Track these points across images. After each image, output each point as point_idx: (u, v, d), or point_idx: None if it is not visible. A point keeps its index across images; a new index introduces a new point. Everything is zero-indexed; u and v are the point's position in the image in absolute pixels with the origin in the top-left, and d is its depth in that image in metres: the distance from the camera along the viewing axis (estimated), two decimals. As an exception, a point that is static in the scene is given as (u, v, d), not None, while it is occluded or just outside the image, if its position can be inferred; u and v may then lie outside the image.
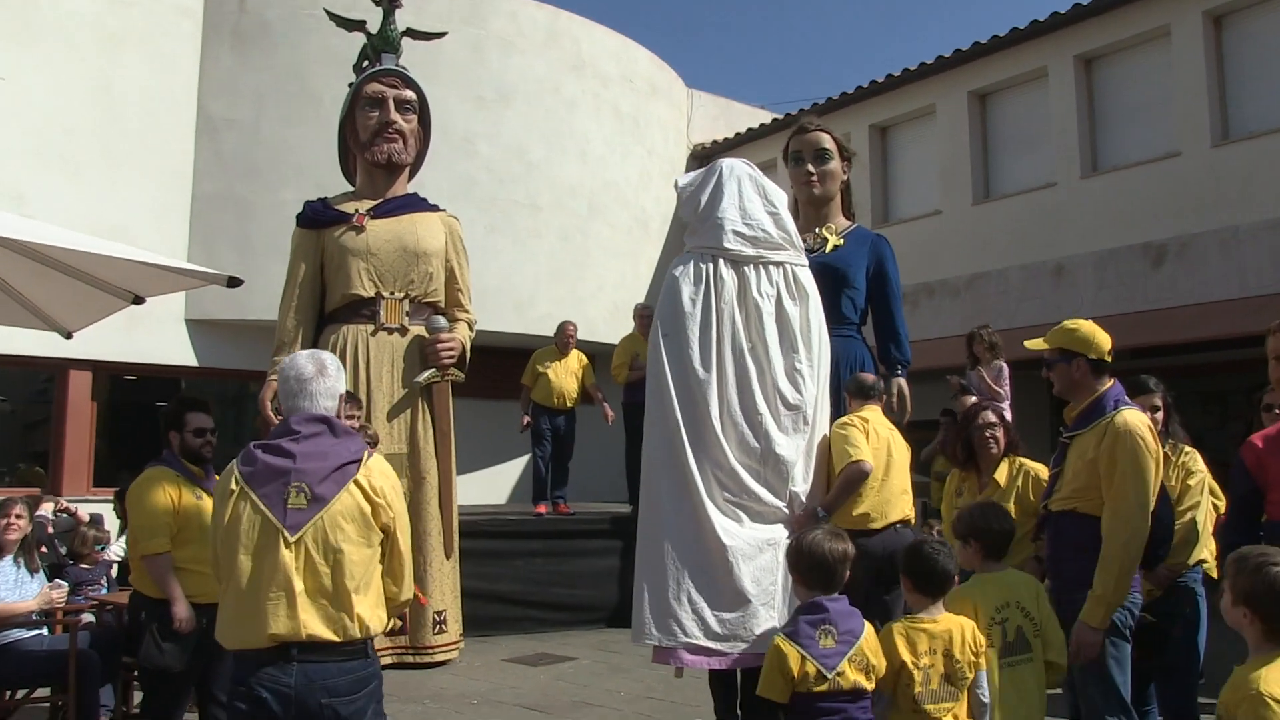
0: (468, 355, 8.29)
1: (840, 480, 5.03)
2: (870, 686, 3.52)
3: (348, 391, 6.57)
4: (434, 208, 8.48)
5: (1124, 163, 12.23)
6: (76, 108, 11.94)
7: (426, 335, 8.04)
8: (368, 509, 3.28)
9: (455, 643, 7.98)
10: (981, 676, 3.67)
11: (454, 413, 8.01)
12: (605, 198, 14.85)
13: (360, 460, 3.32)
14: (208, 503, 4.79)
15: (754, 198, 5.70)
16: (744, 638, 4.59)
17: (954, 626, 3.64)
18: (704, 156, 16.99)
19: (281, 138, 12.68)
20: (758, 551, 4.78)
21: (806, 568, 3.73)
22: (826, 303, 8.41)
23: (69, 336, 7.47)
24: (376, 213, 8.09)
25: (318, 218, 8.10)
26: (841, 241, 9.92)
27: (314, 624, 3.11)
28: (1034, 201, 13.03)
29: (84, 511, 7.77)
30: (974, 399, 8.44)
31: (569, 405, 10.51)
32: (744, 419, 5.08)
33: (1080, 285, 12.36)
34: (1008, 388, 8.71)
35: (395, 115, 8.19)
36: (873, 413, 5.66)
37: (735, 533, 4.82)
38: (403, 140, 8.22)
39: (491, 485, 14.49)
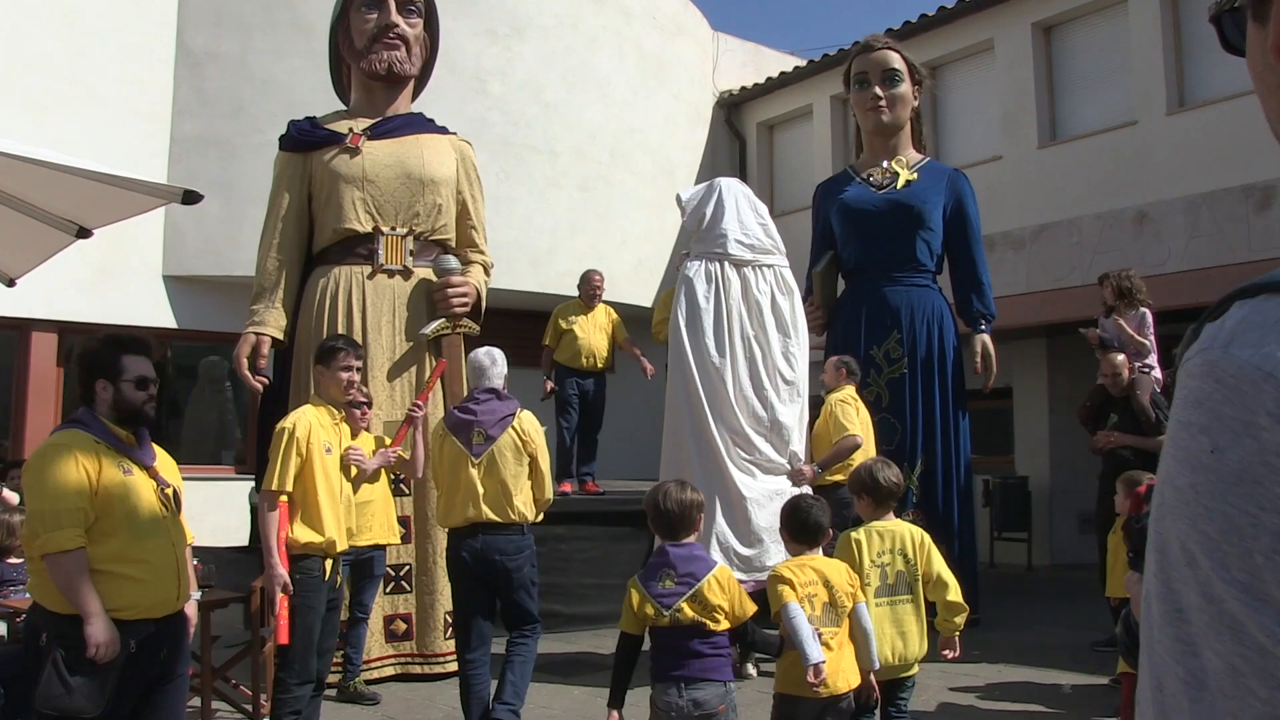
0: (483, 304, 7.00)
1: (837, 447, 6.74)
2: (715, 625, 3.78)
3: (347, 339, 5.33)
4: (442, 130, 7.17)
5: (1218, 95, 10.85)
6: (40, 38, 10.56)
7: (435, 278, 6.76)
8: (519, 443, 5.21)
9: (470, 646, 6.73)
10: (861, 608, 4.04)
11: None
12: (629, 144, 13.51)
13: (515, 414, 5.28)
14: (140, 480, 3.49)
15: (749, 212, 6.76)
16: (759, 569, 5.96)
17: (830, 564, 4.11)
18: (731, 105, 15.63)
19: (269, 73, 11.30)
20: (769, 500, 6.20)
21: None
22: (897, 245, 8.06)
23: (10, 284, 6.16)
24: (374, 132, 6.79)
25: (304, 138, 6.80)
26: (915, 176, 8.62)
27: (489, 512, 5.06)
28: (1110, 142, 11.64)
29: (9, 494, 6.43)
30: (1118, 354, 7.09)
31: (599, 367, 9.15)
32: (753, 393, 6.48)
33: (1167, 234, 10.98)
34: (1152, 337, 7.38)
35: (397, 17, 6.86)
36: (853, 393, 6.96)
37: (750, 485, 6.34)
38: (405, 47, 6.90)
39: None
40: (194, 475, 11.13)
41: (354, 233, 6.63)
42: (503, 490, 5.11)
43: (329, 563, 4.74)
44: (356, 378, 5.03)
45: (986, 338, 8.45)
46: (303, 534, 4.64)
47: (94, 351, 3.68)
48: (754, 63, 16.41)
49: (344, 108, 7.16)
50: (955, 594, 4.27)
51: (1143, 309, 7.38)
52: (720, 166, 15.30)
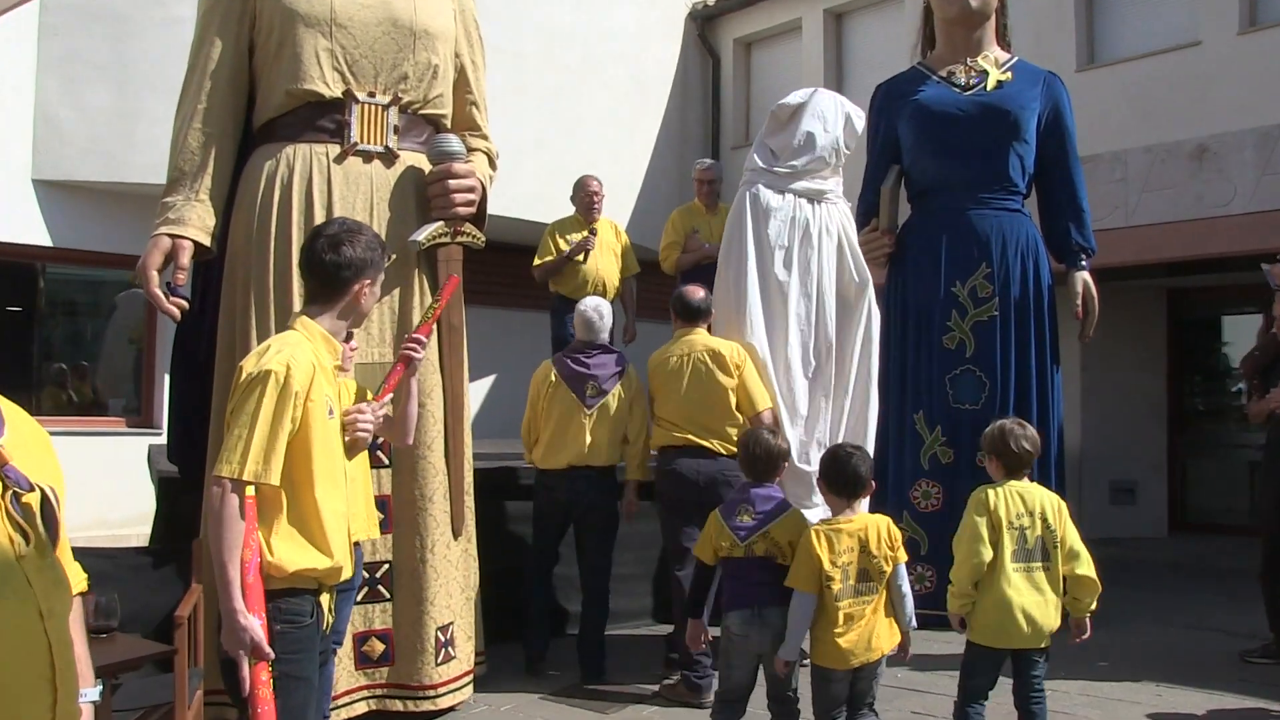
0: (487, 205, 5.16)
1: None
2: (783, 560, 3.94)
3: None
4: (436, -32, 5.25)
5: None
6: None
7: (430, 166, 4.91)
8: (626, 397, 5.70)
9: (467, 673, 4.95)
10: (900, 570, 3.95)
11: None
12: (601, 51, 11.69)
13: (624, 369, 5.77)
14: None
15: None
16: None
17: (869, 523, 3.95)
18: (705, 18, 13.80)
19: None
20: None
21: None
22: (988, 159, 6.74)
23: None
24: (348, -41, 4.86)
25: (247, -40, 4.84)
26: (1008, 76, 6.87)
27: (592, 458, 5.59)
28: (1165, 66, 10.14)
29: None
30: None
31: (608, 299, 7.41)
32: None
33: (1231, 171, 9.55)
34: None
35: None
36: (700, 335, 5.70)
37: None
38: None
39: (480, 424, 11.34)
40: (69, 430, 9.16)
41: (317, 98, 4.73)
42: (609, 440, 5.63)
43: (326, 598, 2.94)
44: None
45: (1087, 275, 6.88)
46: (294, 554, 2.80)
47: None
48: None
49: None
50: (1089, 568, 4.06)
51: None
52: (692, 88, 13.58)
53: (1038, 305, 6.67)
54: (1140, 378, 10.80)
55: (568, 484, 5.56)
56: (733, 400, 5.37)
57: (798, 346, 5.68)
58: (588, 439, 5.53)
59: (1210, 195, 9.60)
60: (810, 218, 5.78)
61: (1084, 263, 6.87)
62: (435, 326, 4.71)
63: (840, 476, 4.00)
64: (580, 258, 7.48)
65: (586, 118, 11.51)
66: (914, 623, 4.04)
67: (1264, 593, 5.77)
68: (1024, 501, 4.02)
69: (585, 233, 7.58)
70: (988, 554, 3.90)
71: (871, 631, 3.84)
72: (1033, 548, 3.99)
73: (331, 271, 3.05)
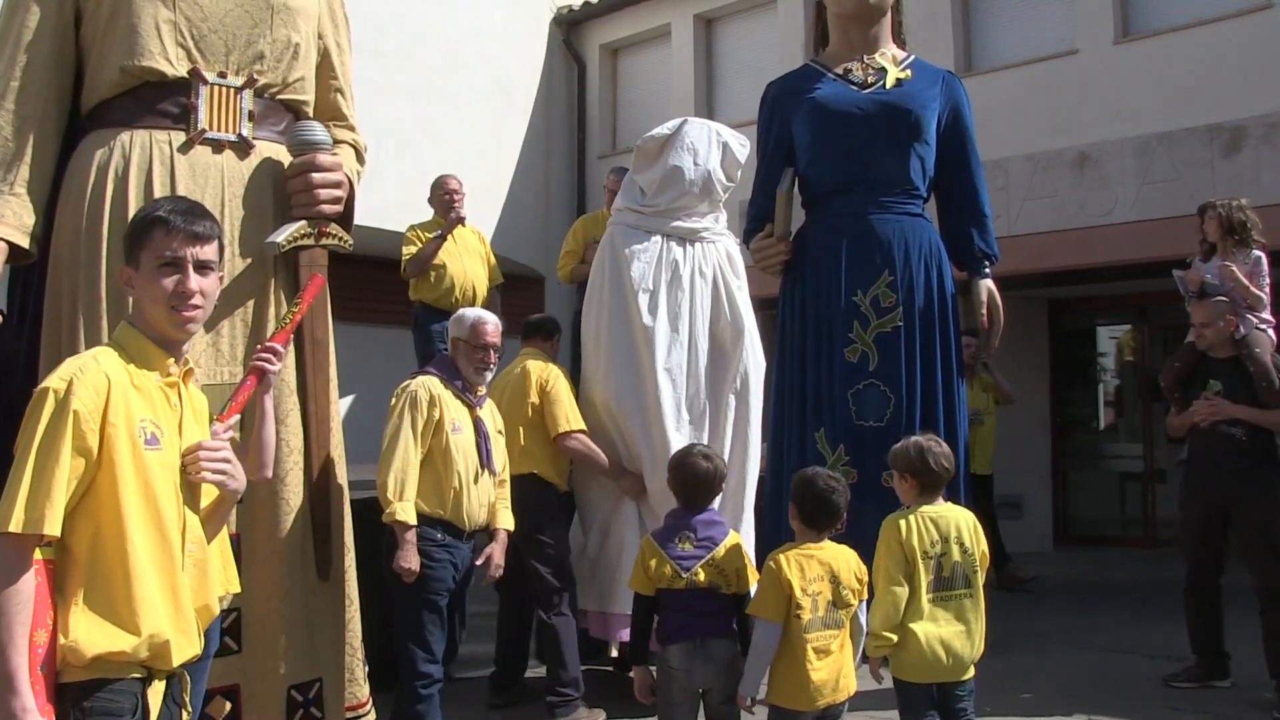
0: (354, 204, 4.56)
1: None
2: (727, 589, 3.83)
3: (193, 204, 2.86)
4: (295, -63, 4.63)
5: (1167, 25, 9.43)
6: None
7: (290, 156, 4.28)
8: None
9: (344, 734, 4.31)
10: (863, 605, 3.80)
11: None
12: (466, 51, 11.12)
13: None
14: None
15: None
16: None
17: (839, 553, 3.77)
18: (570, 23, 13.30)
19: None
20: None
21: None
22: (888, 160, 6.33)
23: None
24: (193, -83, 4.20)
25: (71, -88, 4.15)
26: (908, 74, 6.59)
27: None
28: (1043, 74, 10.05)
29: None
30: (1222, 298, 5.37)
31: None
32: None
33: (1112, 179, 9.49)
34: (1267, 286, 5.61)
35: None
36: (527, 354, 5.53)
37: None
38: None
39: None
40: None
41: (157, 77, 4.06)
42: None
43: (158, 687, 2.29)
44: (190, 288, 2.55)
45: (990, 284, 6.60)
46: (95, 633, 2.14)
47: None
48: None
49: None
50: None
51: (1256, 251, 5.65)
52: (556, 94, 13.08)
53: (942, 315, 6.33)
54: (1024, 389, 10.68)
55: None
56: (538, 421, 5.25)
57: (670, 398, 5.34)
58: None
59: (1092, 204, 9.54)
60: (680, 259, 5.47)
61: (987, 270, 6.58)
62: (295, 338, 4.11)
63: (819, 508, 3.77)
64: (444, 257, 6.87)
65: (451, 120, 10.94)
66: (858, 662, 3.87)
67: (1187, 612, 5.55)
68: (938, 527, 3.82)
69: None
70: (904, 595, 3.71)
71: (840, 669, 3.66)
72: (950, 575, 3.79)
73: None
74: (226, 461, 2.42)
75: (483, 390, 4.89)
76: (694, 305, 5.46)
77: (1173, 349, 11.34)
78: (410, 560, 4.48)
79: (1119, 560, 9.62)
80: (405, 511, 4.52)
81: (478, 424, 4.76)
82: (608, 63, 13.49)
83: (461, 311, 5.13)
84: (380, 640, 4.99)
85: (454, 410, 4.69)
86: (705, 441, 5.28)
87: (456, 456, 4.61)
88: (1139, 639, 6.62)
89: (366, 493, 5.86)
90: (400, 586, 4.56)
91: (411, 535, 4.50)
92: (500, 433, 4.95)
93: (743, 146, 5.83)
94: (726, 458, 5.21)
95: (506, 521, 4.85)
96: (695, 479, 3.98)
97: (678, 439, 5.21)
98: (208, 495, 2.49)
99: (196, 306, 2.52)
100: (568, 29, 13.27)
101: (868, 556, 3.94)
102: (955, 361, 6.39)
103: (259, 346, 3.22)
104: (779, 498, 6.03)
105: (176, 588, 2.24)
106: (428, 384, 4.71)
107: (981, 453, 8.41)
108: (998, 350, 6.88)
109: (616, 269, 5.42)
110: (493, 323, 4.92)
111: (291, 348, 4.19)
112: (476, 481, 4.68)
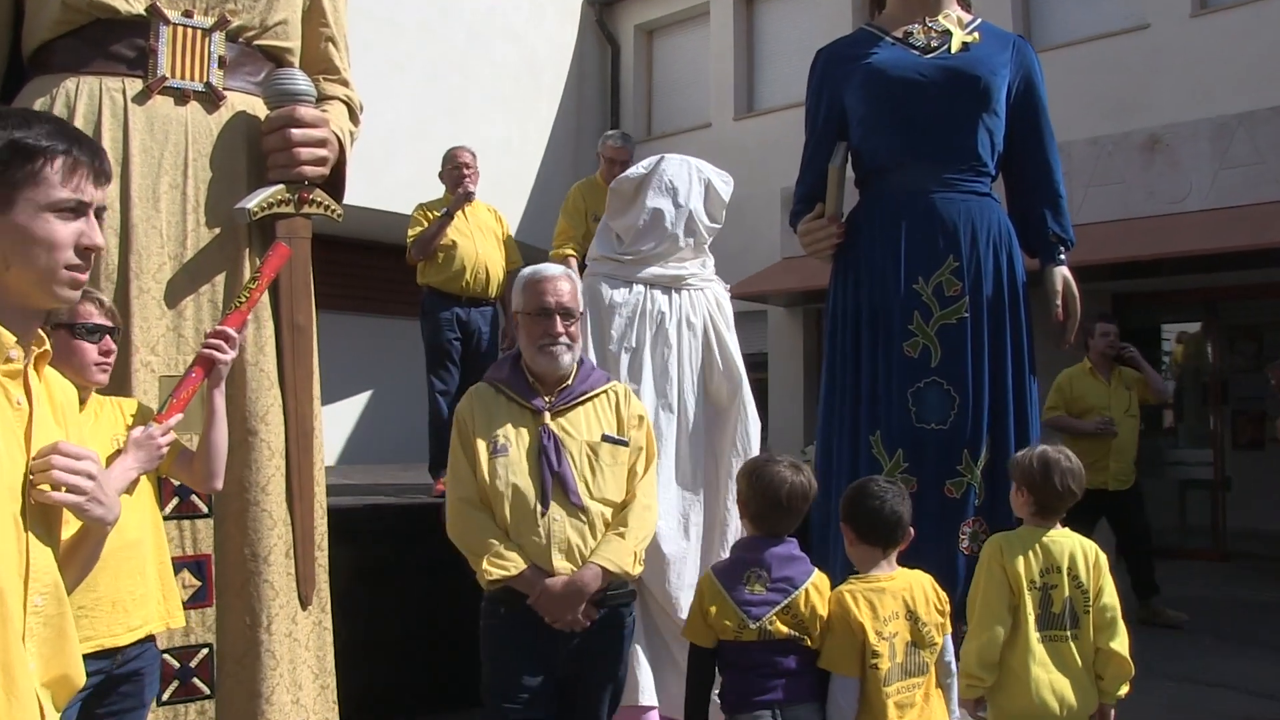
0: (346, 167, 3.96)
1: None
2: (811, 642, 3.02)
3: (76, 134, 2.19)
4: None
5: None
6: None
7: (267, 110, 3.69)
8: None
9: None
10: (949, 642, 3.21)
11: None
12: (488, 27, 10.62)
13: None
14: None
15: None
16: None
17: (912, 581, 3.13)
18: (603, 3, 12.75)
19: None
20: None
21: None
22: (954, 132, 5.61)
23: None
24: None
25: None
26: (975, 38, 5.94)
27: None
28: (1111, 50, 9.44)
29: None
30: None
31: (489, 293, 6.24)
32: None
33: (1187, 164, 8.81)
34: None
35: None
36: None
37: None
38: None
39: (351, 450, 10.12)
40: None
41: (109, 14, 3.49)
42: None
43: None
44: (101, 243, 1.89)
45: (1066, 271, 5.91)
46: None
47: None
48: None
49: None
50: (1122, 643, 3.26)
51: None
52: (588, 77, 12.49)
53: (1013, 306, 5.66)
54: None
55: None
56: None
57: (669, 466, 4.74)
58: None
59: (1163, 191, 8.97)
60: (666, 310, 4.90)
61: (1063, 256, 5.91)
62: (268, 320, 3.53)
63: (876, 520, 3.12)
64: (455, 236, 6.27)
65: (473, 99, 10.42)
66: (957, 713, 3.29)
67: None
68: (1049, 554, 3.32)
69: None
70: (1004, 628, 3.21)
71: None
72: (1059, 612, 3.28)
73: None
74: (89, 477, 1.71)
75: (567, 381, 3.40)
76: (681, 362, 4.91)
77: (1241, 349, 10.79)
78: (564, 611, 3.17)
79: (1184, 574, 8.93)
80: (492, 565, 3.16)
81: (543, 435, 3.27)
82: (643, 44, 12.95)
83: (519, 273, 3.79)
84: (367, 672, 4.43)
85: (502, 422, 3.32)
86: (708, 506, 4.66)
87: (502, 489, 3.22)
88: (1225, 669, 5.94)
89: (372, 497, 5.31)
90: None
91: (528, 582, 3.14)
92: (612, 440, 3.38)
93: (726, 184, 5.27)
94: (730, 523, 4.59)
95: (612, 553, 3.20)
96: (775, 497, 3.08)
97: (681, 544, 4.54)
98: (70, 526, 1.80)
99: (88, 268, 1.89)
100: (600, 8, 12.73)
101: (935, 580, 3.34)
102: (1028, 358, 5.72)
103: (209, 332, 2.61)
104: (828, 517, 5.40)
105: (8, 661, 1.56)
106: (469, 398, 3.50)
107: (1119, 464, 7.46)
108: (1071, 346, 6.21)
109: (598, 325, 4.84)
110: (559, 276, 3.48)
111: (271, 333, 3.62)
112: (541, 518, 3.19)
